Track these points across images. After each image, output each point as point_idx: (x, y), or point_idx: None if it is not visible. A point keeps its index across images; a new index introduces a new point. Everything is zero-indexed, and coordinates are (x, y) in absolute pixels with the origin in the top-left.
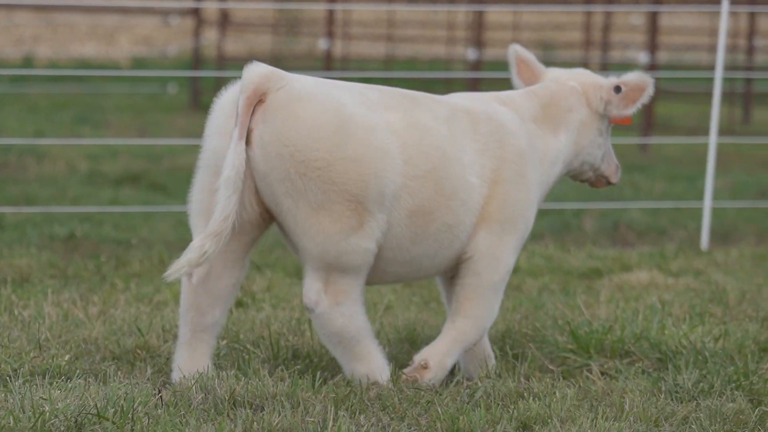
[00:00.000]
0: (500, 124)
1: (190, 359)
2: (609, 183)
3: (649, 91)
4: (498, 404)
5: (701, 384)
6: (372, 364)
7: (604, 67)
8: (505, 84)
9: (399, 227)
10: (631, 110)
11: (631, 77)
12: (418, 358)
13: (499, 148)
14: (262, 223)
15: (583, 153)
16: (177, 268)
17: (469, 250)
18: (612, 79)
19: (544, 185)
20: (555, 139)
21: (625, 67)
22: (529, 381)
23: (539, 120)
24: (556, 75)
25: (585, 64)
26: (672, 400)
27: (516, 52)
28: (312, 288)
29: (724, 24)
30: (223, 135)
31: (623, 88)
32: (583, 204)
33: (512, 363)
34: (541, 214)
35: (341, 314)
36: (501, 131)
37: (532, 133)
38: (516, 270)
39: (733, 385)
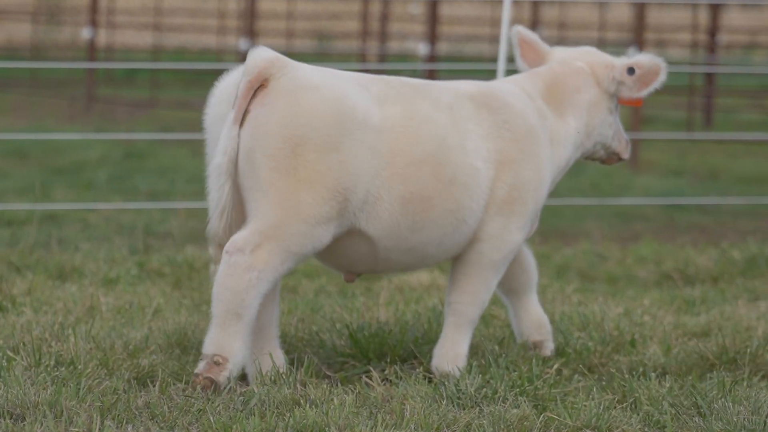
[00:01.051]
0: (506, 103)
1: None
2: (620, 159)
3: (663, 76)
4: (273, 412)
5: (484, 389)
6: (234, 347)
7: (382, 59)
8: None
9: (394, 216)
10: (644, 93)
11: (644, 60)
12: (434, 367)
13: (506, 129)
14: None
15: (594, 133)
16: (212, 271)
17: (479, 232)
18: (624, 60)
19: (555, 165)
20: (562, 121)
21: (404, 58)
22: (305, 387)
23: (546, 100)
24: (561, 56)
25: (362, 56)
26: (454, 406)
27: (519, 33)
28: (245, 239)
29: (506, 14)
30: (223, 122)
31: (637, 71)
32: None
33: (288, 369)
34: None
35: (249, 279)
36: (507, 111)
37: (542, 112)
38: (293, 272)
39: (517, 390)
